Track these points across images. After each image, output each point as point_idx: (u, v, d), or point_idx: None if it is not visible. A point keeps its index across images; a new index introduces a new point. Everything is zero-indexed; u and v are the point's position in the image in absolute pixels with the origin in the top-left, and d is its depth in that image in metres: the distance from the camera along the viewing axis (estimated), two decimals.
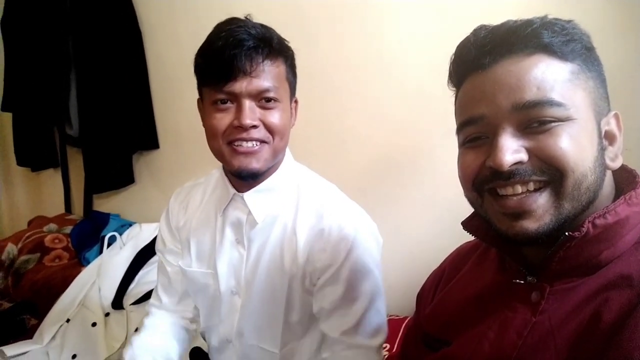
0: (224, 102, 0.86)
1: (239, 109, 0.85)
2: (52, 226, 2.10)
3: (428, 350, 0.73)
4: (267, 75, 0.86)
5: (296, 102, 0.98)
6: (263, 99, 0.87)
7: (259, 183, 0.94)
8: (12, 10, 2.13)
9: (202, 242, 1.02)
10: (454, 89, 0.65)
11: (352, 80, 1.54)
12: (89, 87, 1.99)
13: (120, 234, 1.88)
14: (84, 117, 2.04)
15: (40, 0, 2.02)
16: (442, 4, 1.38)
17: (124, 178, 2.09)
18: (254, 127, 0.86)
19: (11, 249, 1.97)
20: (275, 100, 0.88)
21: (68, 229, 2.07)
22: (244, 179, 0.92)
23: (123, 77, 1.94)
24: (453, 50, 0.63)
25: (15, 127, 2.32)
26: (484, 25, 0.60)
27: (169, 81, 1.95)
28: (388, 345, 1.35)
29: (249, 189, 0.95)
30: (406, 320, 1.44)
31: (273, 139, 0.89)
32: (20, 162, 2.37)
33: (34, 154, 2.32)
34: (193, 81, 0.92)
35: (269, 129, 0.87)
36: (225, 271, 0.99)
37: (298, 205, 0.96)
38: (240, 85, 0.84)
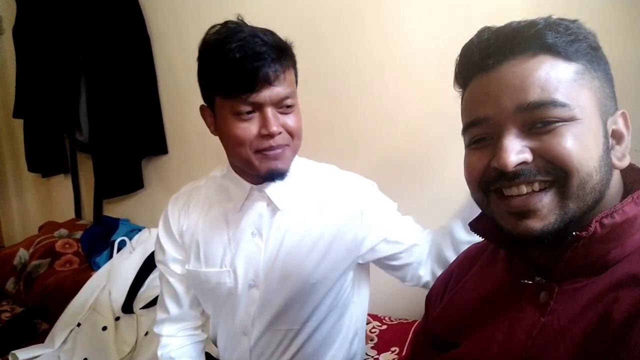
0: (249, 112, 0.88)
1: (264, 117, 0.88)
2: (63, 231, 2.12)
3: (437, 352, 0.73)
4: (285, 83, 0.89)
5: None
6: (283, 106, 0.90)
7: None
8: (24, 19, 2.17)
9: (212, 242, 1.03)
10: (460, 90, 0.65)
11: (361, 81, 1.54)
12: (99, 94, 2.02)
13: (130, 239, 1.90)
14: (94, 123, 2.06)
15: (51, 9, 2.05)
16: (451, 5, 1.38)
17: (133, 183, 2.11)
18: (279, 133, 0.89)
19: (23, 254, 2.00)
20: (293, 105, 0.92)
21: (78, 234, 2.09)
22: (272, 180, 0.96)
23: (132, 83, 1.96)
24: None
25: (26, 133, 2.36)
26: (488, 27, 0.60)
27: (177, 87, 1.97)
28: (397, 349, 1.35)
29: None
30: (415, 324, 1.44)
31: (293, 140, 0.93)
32: (31, 168, 2.41)
33: (45, 160, 2.36)
34: None
35: (290, 132, 0.92)
36: (243, 267, 1.00)
37: (319, 193, 1.01)
38: (265, 95, 0.87)
